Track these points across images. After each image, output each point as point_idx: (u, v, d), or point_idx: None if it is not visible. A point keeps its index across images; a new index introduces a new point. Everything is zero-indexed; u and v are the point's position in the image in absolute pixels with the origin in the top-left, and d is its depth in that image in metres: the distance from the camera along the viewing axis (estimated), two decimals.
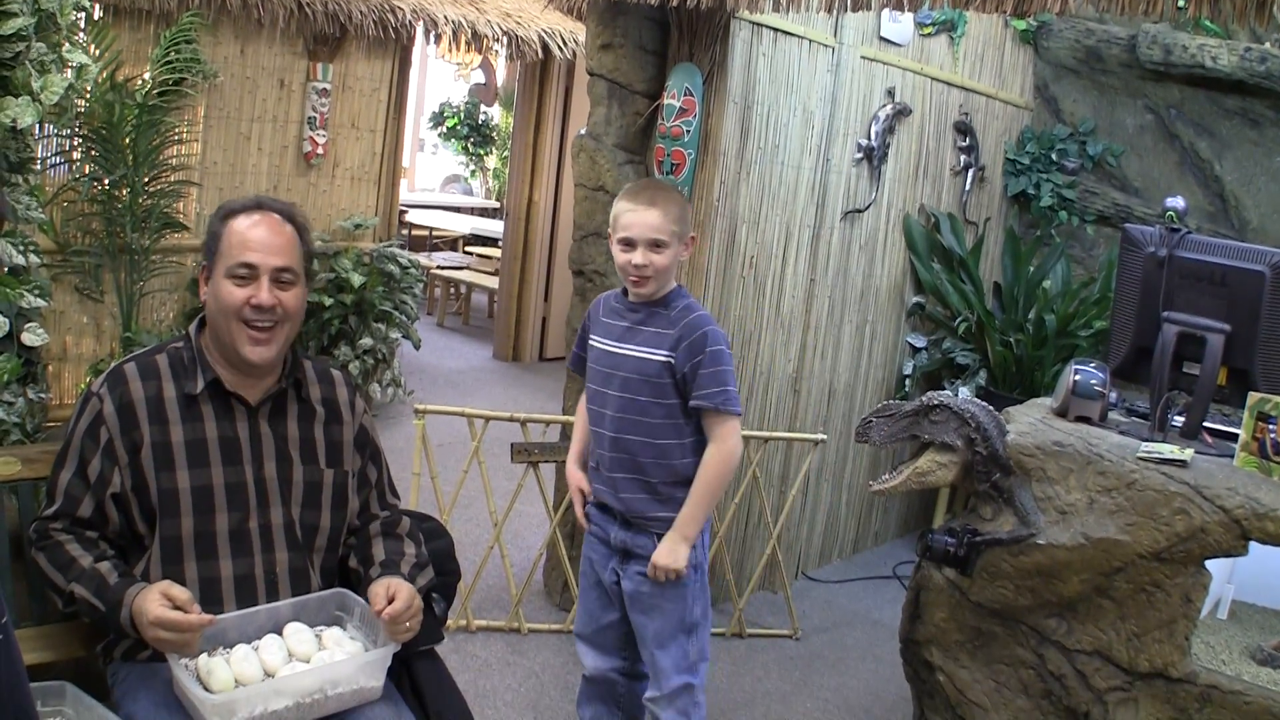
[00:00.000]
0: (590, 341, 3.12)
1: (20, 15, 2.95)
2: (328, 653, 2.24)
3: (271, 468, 2.38)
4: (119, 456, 2.29)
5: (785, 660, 4.52)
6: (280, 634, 2.27)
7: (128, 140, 5.54)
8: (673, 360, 2.93)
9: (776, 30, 4.43)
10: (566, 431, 4.63)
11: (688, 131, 4.28)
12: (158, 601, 2.09)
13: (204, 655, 2.17)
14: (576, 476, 3.22)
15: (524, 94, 9.27)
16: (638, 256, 2.91)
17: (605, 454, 3.05)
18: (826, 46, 4.71)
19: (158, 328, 6.19)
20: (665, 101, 4.34)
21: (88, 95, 5.25)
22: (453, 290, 10.76)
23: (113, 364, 2.43)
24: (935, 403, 3.16)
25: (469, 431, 4.25)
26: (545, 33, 7.89)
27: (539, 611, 4.65)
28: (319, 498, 2.43)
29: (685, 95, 4.28)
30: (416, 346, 7.12)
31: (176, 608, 2.09)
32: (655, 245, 2.91)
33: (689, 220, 3.04)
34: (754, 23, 4.32)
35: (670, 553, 2.94)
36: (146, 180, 5.69)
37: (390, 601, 2.25)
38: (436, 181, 15.03)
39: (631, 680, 3.24)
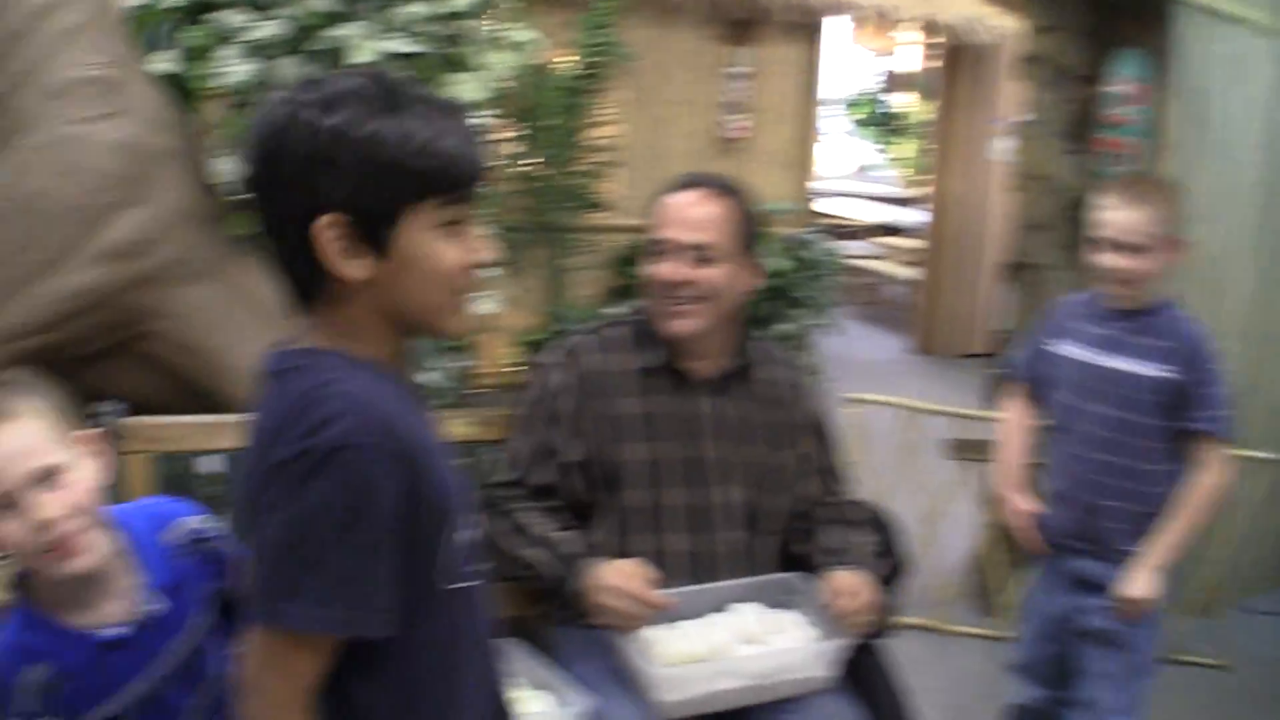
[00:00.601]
0: (1053, 349, 2.89)
1: None
2: (779, 637, 2.24)
3: (726, 446, 2.40)
4: (576, 426, 2.37)
5: (1216, 693, 4.21)
6: (728, 612, 2.28)
7: (552, 121, 5.78)
8: (1171, 376, 2.70)
9: (1221, 15, 4.11)
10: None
11: (1133, 119, 4.06)
12: (622, 573, 2.15)
13: (659, 626, 2.21)
14: (1019, 499, 2.97)
15: (943, 81, 9.06)
16: (1119, 260, 2.69)
17: (1076, 476, 2.82)
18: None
19: (580, 303, 6.43)
20: (1109, 88, 4.13)
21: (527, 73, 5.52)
22: (864, 280, 10.69)
23: (573, 335, 2.52)
24: None
25: (901, 424, 4.19)
26: (967, 17, 7.69)
27: (962, 614, 4.53)
28: (770, 479, 2.43)
29: (1130, 81, 4.05)
30: (834, 335, 7.10)
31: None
32: (1135, 249, 2.67)
33: (1178, 222, 2.76)
34: (1200, 6, 4.03)
35: (1145, 584, 2.71)
36: (568, 160, 5.91)
37: (845, 594, 2.22)
38: (845, 169, 14.97)
39: (1062, 707, 3.03)
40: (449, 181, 1.39)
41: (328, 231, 1.36)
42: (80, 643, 1.69)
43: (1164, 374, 2.70)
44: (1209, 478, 2.70)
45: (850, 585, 2.25)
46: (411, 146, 1.35)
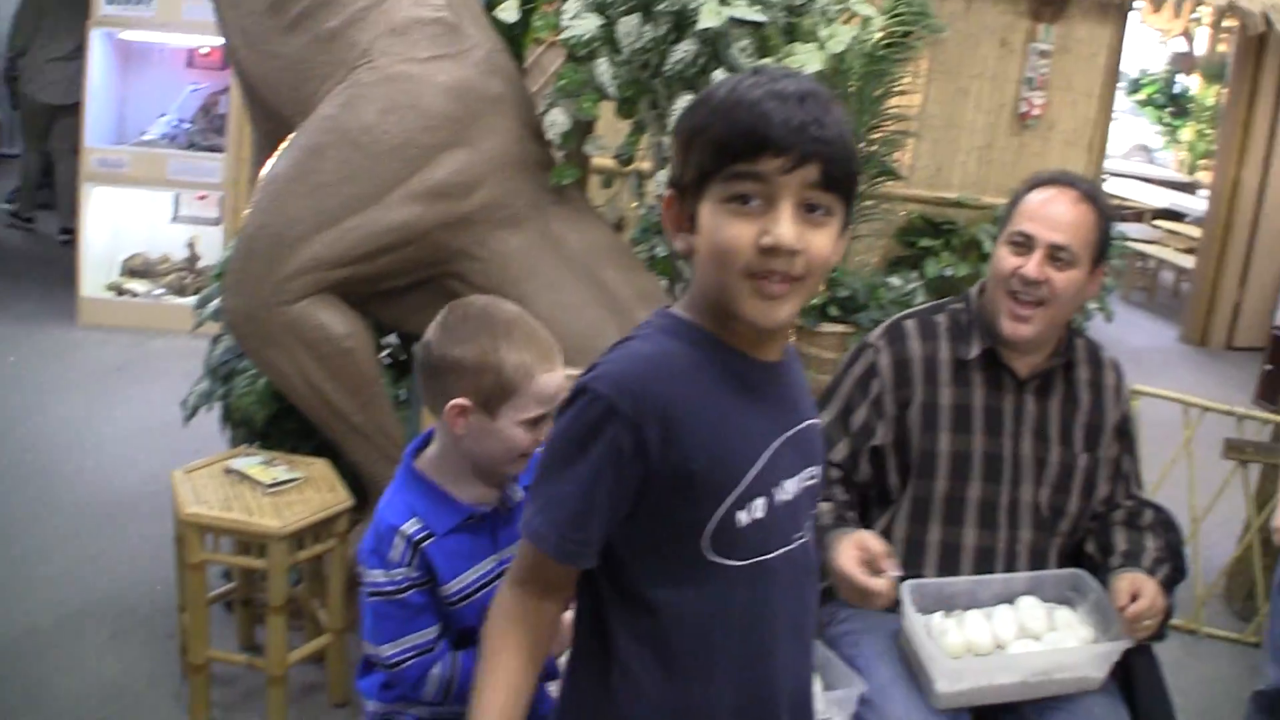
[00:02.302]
0: None
1: None
2: (1058, 634, 2.23)
3: (1029, 444, 2.38)
4: (886, 410, 2.38)
5: None
6: (1012, 605, 2.28)
7: (853, 86, 5.80)
8: None
9: None
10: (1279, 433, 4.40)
11: None
12: (848, 554, 2.04)
13: (939, 614, 2.24)
14: None
15: (1239, 68, 8.70)
16: None
17: None
18: None
19: (861, 271, 6.47)
20: None
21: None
22: (1140, 264, 10.39)
23: (893, 317, 2.53)
24: None
25: (1182, 419, 4.13)
26: (1270, 4, 7.40)
27: (1219, 616, 4.43)
28: (1070, 481, 2.41)
29: None
30: (1108, 319, 6.98)
31: (869, 561, 2.02)
32: None
33: None
34: None
35: None
36: (868, 128, 5.94)
37: (1135, 598, 2.19)
38: (1121, 149, 14.49)
39: None
40: (734, 153, 1.36)
41: (667, 204, 1.47)
42: (458, 511, 2.00)
43: None
44: None
45: (1143, 589, 2.21)
46: (706, 120, 1.39)
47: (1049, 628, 2.24)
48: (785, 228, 1.35)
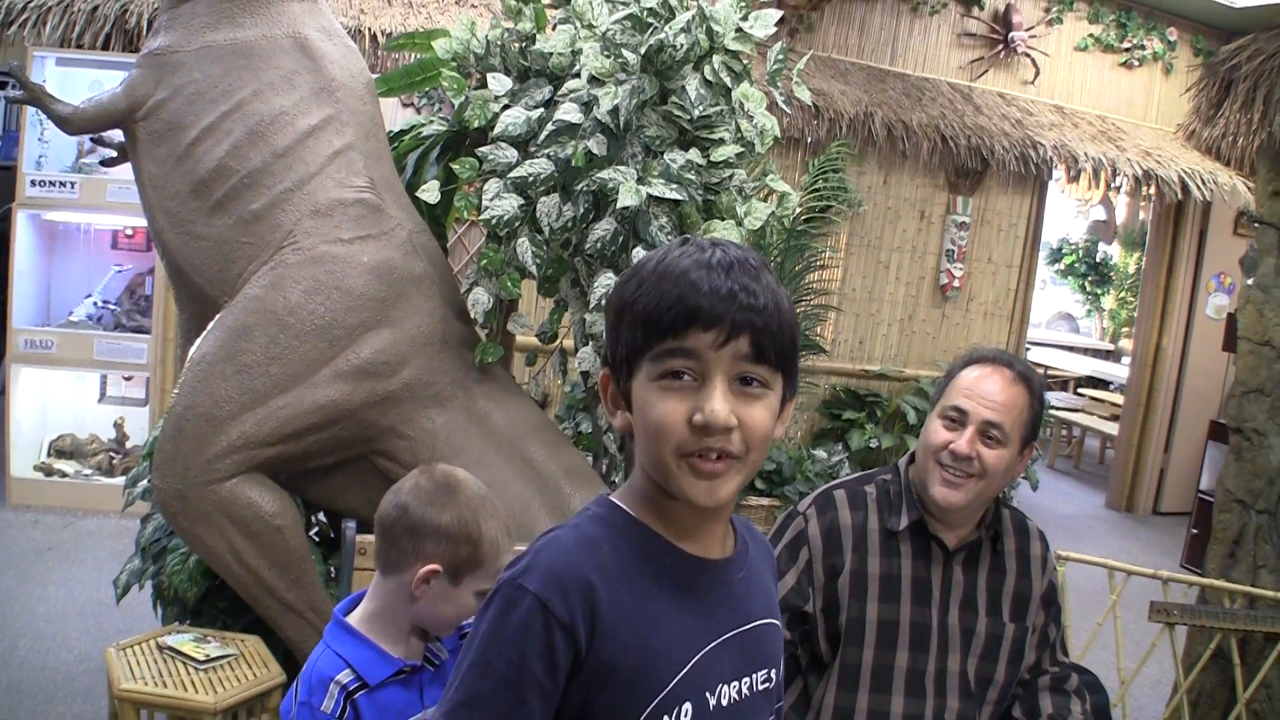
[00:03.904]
0: None
1: (728, 143, 3.25)
2: None
3: (956, 615, 2.41)
4: (816, 577, 2.40)
5: None
6: None
7: (774, 262, 5.93)
8: None
9: None
10: (1205, 595, 4.43)
11: None
12: None
13: None
14: None
15: (1157, 235, 9.01)
16: None
17: None
18: None
19: (786, 445, 6.53)
20: None
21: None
22: (1065, 432, 10.56)
23: (822, 487, 2.56)
24: None
25: (1107, 584, 4.16)
26: (1185, 173, 7.68)
27: None
28: (998, 651, 2.43)
29: None
30: (1034, 487, 7.06)
31: None
32: None
33: None
34: None
35: None
36: (790, 302, 6.03)
37: None
38: (1044, 317, 14.83)
39: None
40: (661, 329, 1.32)
41: (602, 384, 1.43)
42: (389, 664, 2.04)
43: None
44: None
45: None
46: (633, 295, 1.36)
47: None
48: (717, 404, 1.30)
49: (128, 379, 6.88)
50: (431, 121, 3.73)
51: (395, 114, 6.10)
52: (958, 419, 2.35)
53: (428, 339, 3.32)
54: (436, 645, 2.14)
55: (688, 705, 1.37)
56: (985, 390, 2.34)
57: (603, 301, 3.13)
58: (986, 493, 2.37)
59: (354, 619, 2.08)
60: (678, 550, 1.41)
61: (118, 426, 6.93)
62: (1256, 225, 4.45)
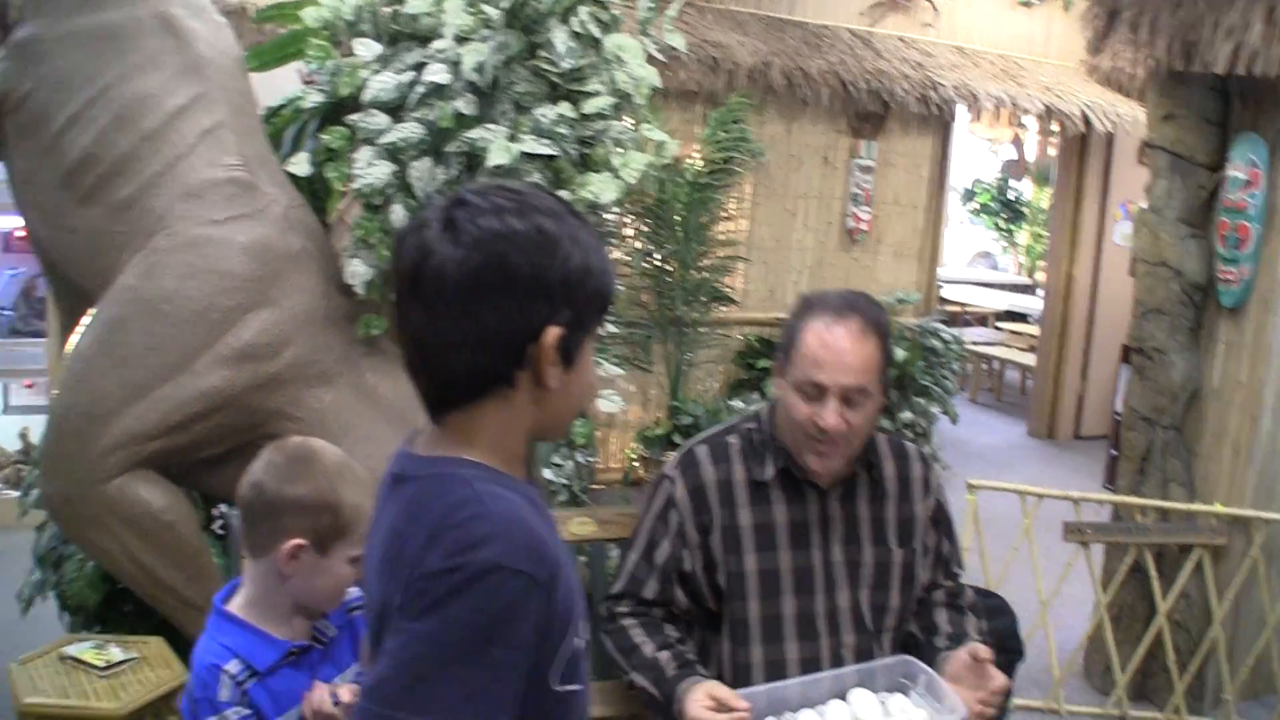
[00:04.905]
0: None
1: (601, 95, 3.21)
2: None
3: (839, 550, 2.37)
4: (689, 538, 2.36)
5: None
6: (845, 699, 2.25)
7: (678, 217, 5.90)
8: None
9: None
10: (1119, 512, 4.49)
11: (1252, 204, 4.07)
12: (699, 701, 2.10)
13: (770, 719, 2.19)
14: None
15: (1063, 168, 9.09)
16: None
17: None
18: None
19: (703, 398, 6.51)
20: (1228, 173, 4.15)
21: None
22: (985, 366, 10.66)
23: (687, 444, 2.51)
24: None
25: (1021, 508, 4.19)
26: (1087, 106, 7.73)
27: (1078, 693, 4.53)
28: (889, 578, 2.40)
29: (1250, 167, 4.07)
30: (954, 421, 7.10)
31: (718, 707, 2.07)
32: None
33: None
34: None
35: None
36: (696, 255, 6.02)
37: (972, 678, 2.21)
38: (964, 257, 14.94)
39: None
40: (607, 301, 1.49)
41: (554, 344, 1.40)
42: (276, 647, 2.02)
43: None
44: None
45: (989, 677, 2.21)
46: (602, 266, 1.45)
47: (885, 716, 2.21)
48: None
49: (29, 385, 6.73)
50: (309, 94, 3.64)
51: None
52: (814, 394, 2.24)
53: (309, 316, 3.24)
54: (323, 623, 2.10)
55: (583, 622, 1.48)
56: (836, 355, 2.22)
57: None
58: (860, 443, 2.33)
59: (234, 606, 2.03)
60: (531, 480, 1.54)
61: (23, 437, 6.76)
62: (1149, 149, 4.48)
